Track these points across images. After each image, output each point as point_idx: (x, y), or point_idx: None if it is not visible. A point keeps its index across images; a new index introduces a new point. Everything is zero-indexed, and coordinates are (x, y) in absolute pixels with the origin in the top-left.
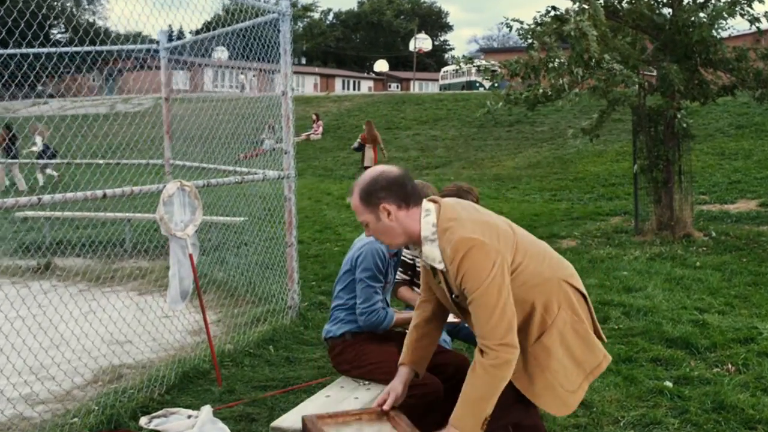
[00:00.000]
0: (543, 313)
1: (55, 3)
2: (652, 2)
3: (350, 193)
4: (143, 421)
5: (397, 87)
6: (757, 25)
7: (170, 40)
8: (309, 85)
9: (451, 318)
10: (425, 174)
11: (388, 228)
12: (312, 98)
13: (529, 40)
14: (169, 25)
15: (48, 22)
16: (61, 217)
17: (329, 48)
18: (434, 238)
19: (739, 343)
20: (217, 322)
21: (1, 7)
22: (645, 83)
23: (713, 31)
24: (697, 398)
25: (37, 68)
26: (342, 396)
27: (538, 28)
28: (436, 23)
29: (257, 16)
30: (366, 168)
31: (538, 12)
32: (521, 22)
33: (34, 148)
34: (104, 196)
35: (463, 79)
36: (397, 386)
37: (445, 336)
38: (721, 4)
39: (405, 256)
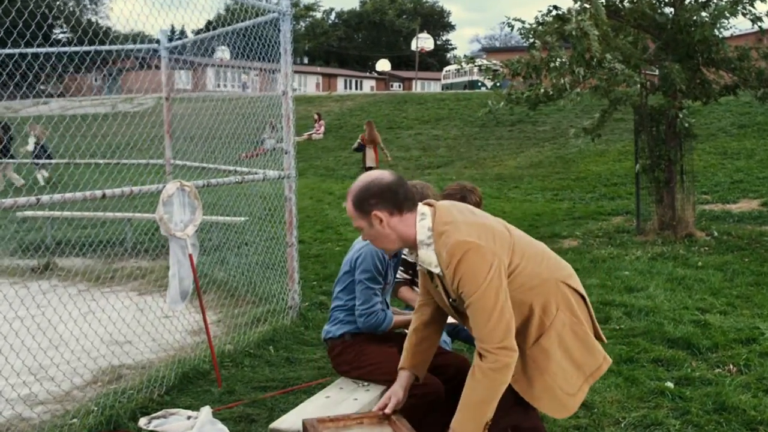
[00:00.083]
0: (541, 315)
1: (57, 2)
2: (654, 1)
3: (345, 198)
4: (142, 422)
5: (399, 86)
6: (759, 24)
7: (171, 39)
8: (311, 85)
9: (450, 319)
10: (427, 174)
11: (382, 234)
12: (314, 98)
13: (531, 40)
14: (171, 25)
15: (48, 22)
16: (62, 217)
17: (331, 47)
18: (430, 242)
19: (741, 343)
20: (218, 323)
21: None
22: (647, 83)
23: (715, 31)
24: (699, 399)
25: (38, 68)
26: (341, 397)
27: (540, 27)
28: (438, 23)
29: (258, 15)
30: (368, 168)
31: (540, 11)
32: (523, 22)
33: (29, 148)
34: (104, 196)
35: (465, 78)
36: (397, 391)
37: (445, 337)
38: (723, 3)
39: (406, 255)
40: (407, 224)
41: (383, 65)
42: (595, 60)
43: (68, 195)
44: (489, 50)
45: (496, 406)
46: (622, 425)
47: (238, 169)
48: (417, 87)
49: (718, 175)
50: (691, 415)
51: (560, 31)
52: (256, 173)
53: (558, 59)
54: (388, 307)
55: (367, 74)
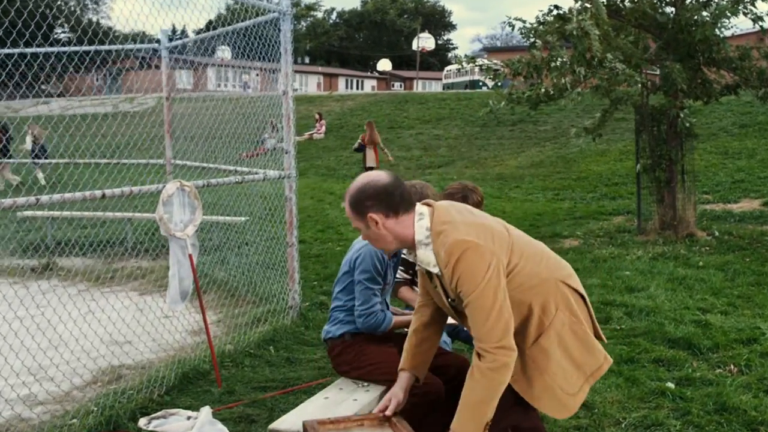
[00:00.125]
0: (540, 315)
1: (58, 2)
2: (655, 1)
3: (343, 199)
4: (142, 422)
5: (401, 86)
6: (760, 23)
7: (172, 39)
8: (312, 85)
9: (450, 320)
10: (428, 173)
11: (379, 235)
12: (315, 97)
13: (532, 39)
14: (173, 25)
15: (47, 22)
16: (63, 217)
17: (332, 47)
18: (428, 242)
19: (742, 343)
20: (218, 323)
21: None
22: (648, 82)
23: (716, 30)
24: (699, 399)
25: (38, 68)
26: (341, 398)
27: (541, 27)
28: (439, 22)
29: (258, 15)
30: (368, 169)
31: (541, 11)
32: (524, 22)
33: (26, 146)
34: (103, 196)
35: (467, 78)
36: (398, 393)
37: (445, 337)
38: (724, 2)
39: (407, 255)
40: (404, 226)
41: (384, 65)
42: (596, 59)
43: (68, 195)
44: (490, 50)
45: (495, 406)
46: (623, 426)
47: (239, 168)
48: (418, 87)
49: (720, 174)
50: (692, 416)
51: (561, 31)
52: (256, 173)
53: (559, 59)
54: (388, 308)
55: (368, 74)
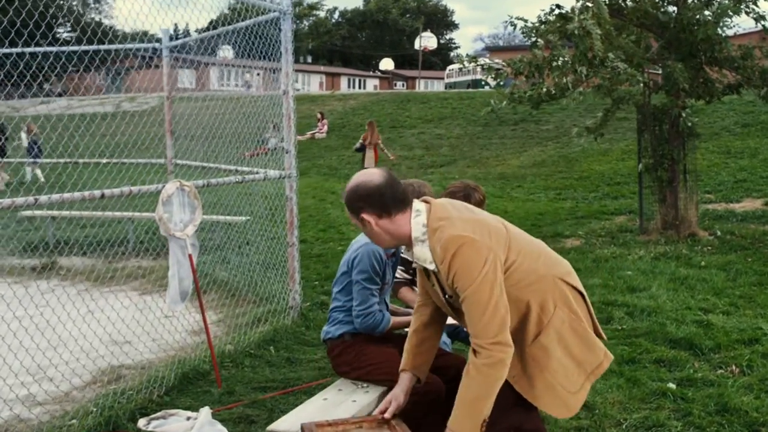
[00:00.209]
0: (539, 313)
1: (62, 2)
2: (657, 0)
3: (341, 197)
4: (141, 423)
5: (403, 85)
6: (762, 23)
7: (175, 38)
8: (314, 84)
9: (450, 320)
10: (430, 173)
11: (374, 233)
12: (317, 97)
13: (533, 39)
14: (175, 24)
15: (45, 21)
16: (63, 216)
17: (335, 46)
18: (424, 239)
19: (744, 344)
20: (218, 323)
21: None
22: (650, 82)
23: (718, 29)
24: (701, 400)
25: (40, 67)
26: (339, 399)
27: (542, 26)
28: (441, 21)
29: (259, 14)
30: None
31: (542, 10)
32: (525, 21)
33: (23, 143)
34: (102, 196)
35: (469, 77)
36: (398, 395)
37: (445, 338)
38: (726, 2)
39: (407, 255)
40: (398, 225)
41: (386, 64)
42: (597, 59)
43: (66, 195)
44: (492, 49)
45: (492, 403)
46: (624, 427)
47: (240, 168)
48: (420, 86)
49: (722, 174)
50: (693, 417)
51: (563, 30)
52: (257, 173)
53: (560, 58)
54: (387, 308)
55: (371, 73)
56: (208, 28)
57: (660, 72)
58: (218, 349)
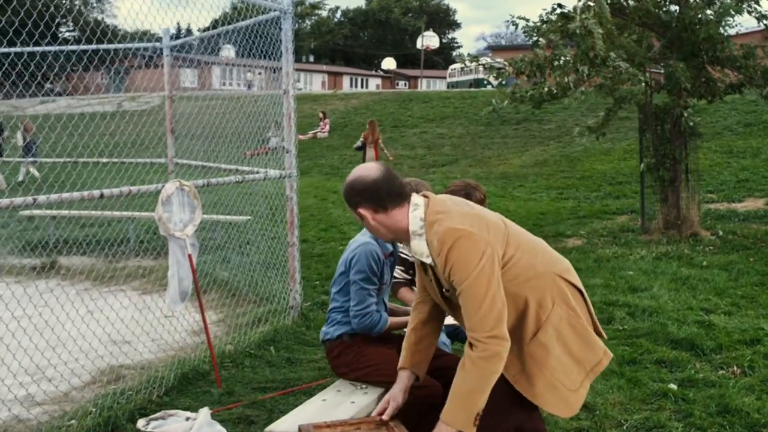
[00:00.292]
0: (537, 309)
1: (64, 1)
2: None
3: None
4: (140, 423)
5: (405, 85)
6: (764, 22)
7: (176, 38)
8: (317, 83)
9: (450, 321)
10: (432, 172)
11: (371, 227)
12: (319, 96)
13: (534, 38)
14: (177, 23)
15: (44, 20)
16: (63, 216)
17: (337, 46)
18: (422, 232)
19: (745, 344)
20: (218, 322)
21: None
22: (651, 81)
23: (720, 29)
24: (702, 401)
25: (43, 66)
26: (338, 400)
27: (544, 25)
28: (444, 21)
29: (260, 14)
30: None
31: (544, 9)
32: (527, 20)
33: (18, 143)
34: (102, 196)
35: (471, 76)
36: (396, 394)
37: (444, 339)
38: (729, 1)
39: (407, 255)
40: (395, 219)
41: (389, 63)
42: (599, 58)
43: (65, 195)
44: (495, 48)
45: (487, 396)
46: (625, 428)
47: (240, 168)
48: (422, 85)
49: (724, 173)
50: (694, 418)
51: (564, 30)
52: (257, 172)
53: (562, 57)
54: (385, 308)
55: (373, 72)
56: (210, 28)
57: (662, 71)
58: (218, 349)
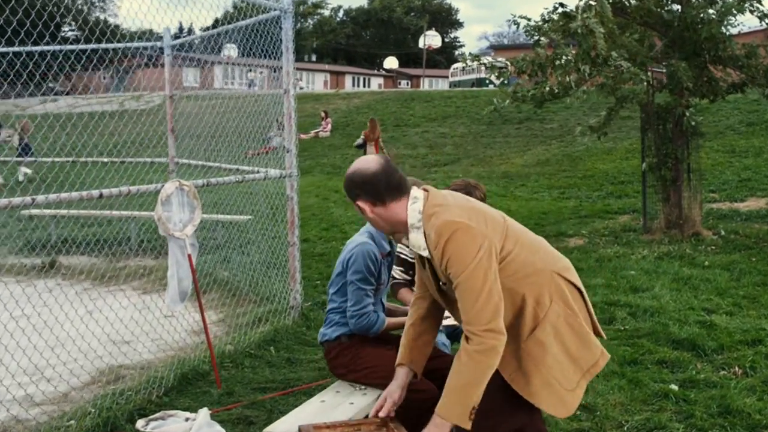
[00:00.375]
0: (534, 306)
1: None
2: None
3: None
4: (140, 424)
5: (407, 84)
6: (766, 21)
7: (178, 37)
8: (319, 83)
9: (449, 321)
10: (434, 171)
11: (371, 219)
12: (321, 95)
13: (536, 37)
14: (179, 23)
15: (42, 20)
16: (63, 215)
17: (339, 45)
18: (420, 225)
19: (747, 345)
20: (219, 322)
21: (7, 5)
22: (653, 80)
23: (722, 28)
24: (703, 402)
25: (45, 66)
26: (337, 401)
27: (546, 25)
28: (446, 20)
29: (261, 13)
30: None
31: (546, 9)
32: (529, 19)
33: (14, 142)
34: (101, 196)
35: (473, 76)
36: (394, 391)
37: (444, 339)
38: (731, 0)
39: (407, 256)
40: (393, 212)
41: (391, 63)
42: (600, 57)
43: (64, 195)
44: (497, 48)
45: (482, 390)
46: (625, 429)
47: (241, 167)
48: (425, 84)
49: (726, 173)
50: (695, 419)
51: (566, 29)
52: (257, 172)
53: (563, 57)
54: (383, 308)
55: (375, 72)
56: (214, 27)
57: (664, 71)
58: (218, 349)
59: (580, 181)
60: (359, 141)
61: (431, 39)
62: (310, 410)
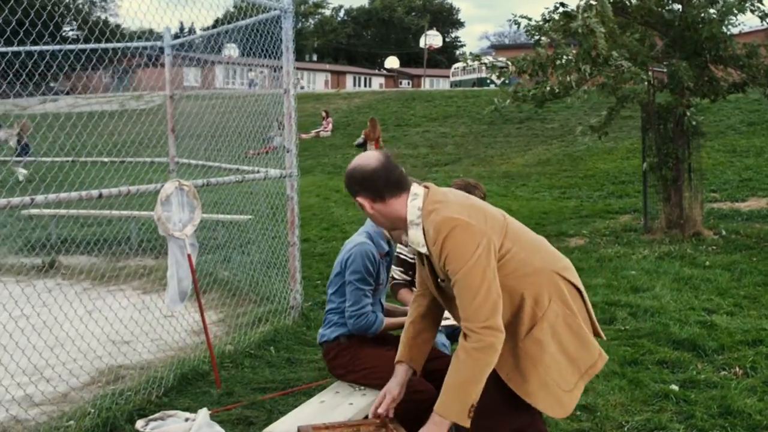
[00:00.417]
0: (533, 306)
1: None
2: None
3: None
4: (139, 424)
5: (408, 84)
6: (767, 21)
7: (178, 37)
8: (320, 82)
9: (449, 321)
10: (434, 171)
11: (371, 215)
12: (322, 95)
13: (536, 37)
14: (180, 22)
15: (51, 20)
16: (67, 215)
17: (340, 45)
18: (419, 222)
19: (748, 345)
20: (219, 322)
21: (7, 5)
22: (654, 80)
23: (723, 28)
24: (703, 402)
25: (45, 66)
26: (336, 402)
27: (546, 24)
28: (447, 20)
29: (261, 13)
30: None
31: (546, 8)
32: (529, 19)
33: (11, 143)
34: (100, 196)
35: (474, 75)
36: (393, 388)
37: (444, 340)
38: (731, 0)
39: (407, 256)
40: (392, 209)
41: (392, 62)
42: (601, 57)
43: (63, 195)
44: (498, 47)
45: (481, 388)
46: (626, 429)
47: (241, 167)
48: (426, 84)
49: (727, 173)
50: (696, 419)
51: (567, 29)
52: (257, 172)
53: (564, 56)
54: (382, 309)
55: (376, 71)
56: (213, 27)
57: (665, 70)
58: (218, 349)
59: (580, 181)
60: (360, 140)
61: (432, 39)
62: (310, 411)
